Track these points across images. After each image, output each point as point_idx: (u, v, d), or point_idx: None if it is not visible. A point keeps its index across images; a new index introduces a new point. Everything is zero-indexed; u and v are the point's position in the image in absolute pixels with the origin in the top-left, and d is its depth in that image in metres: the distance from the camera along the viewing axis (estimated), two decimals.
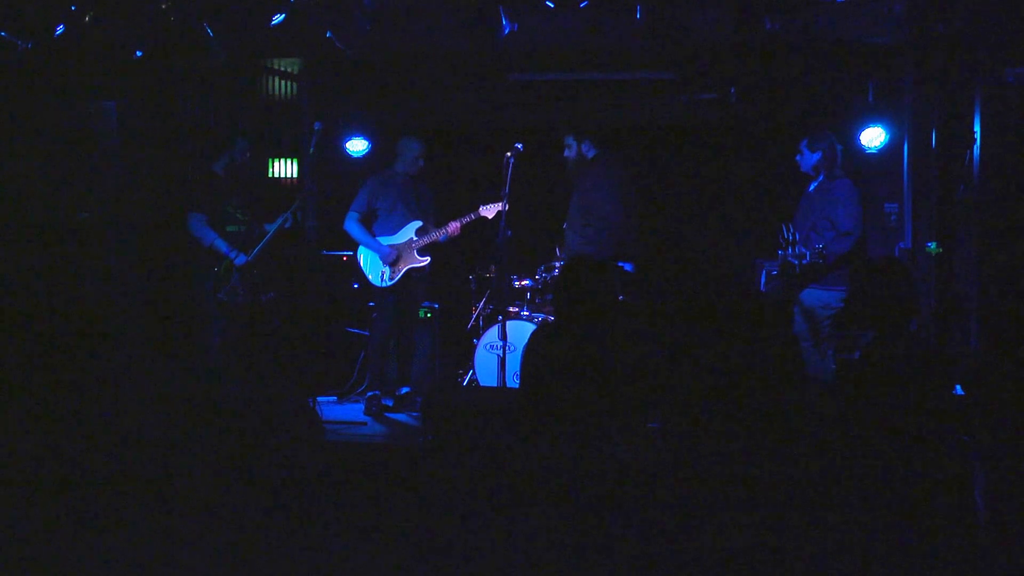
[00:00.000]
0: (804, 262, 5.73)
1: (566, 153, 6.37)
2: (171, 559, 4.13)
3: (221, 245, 6.33)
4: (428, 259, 6.70)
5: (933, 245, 6.55)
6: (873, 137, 6.91)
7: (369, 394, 6.68)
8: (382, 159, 7.18)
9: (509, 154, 6.01)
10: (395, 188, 6.75)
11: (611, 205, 6.11)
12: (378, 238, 6.62)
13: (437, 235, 6.67)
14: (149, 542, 4.25)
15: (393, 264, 6.67)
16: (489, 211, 6.53)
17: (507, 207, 6.10)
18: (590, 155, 6.37)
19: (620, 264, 6.21)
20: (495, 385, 6.25)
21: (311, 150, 6.63)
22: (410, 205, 6.74)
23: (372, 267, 6.72)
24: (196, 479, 4.69)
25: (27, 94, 6.41)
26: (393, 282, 6.69)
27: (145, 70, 6.44)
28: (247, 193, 6.68)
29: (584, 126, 6.42)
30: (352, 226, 6.73)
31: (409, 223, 6.69)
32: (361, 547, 4.25)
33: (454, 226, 6.61)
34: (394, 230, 6.61)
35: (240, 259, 6.31)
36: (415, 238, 6.62)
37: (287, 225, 6.46)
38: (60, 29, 5.87)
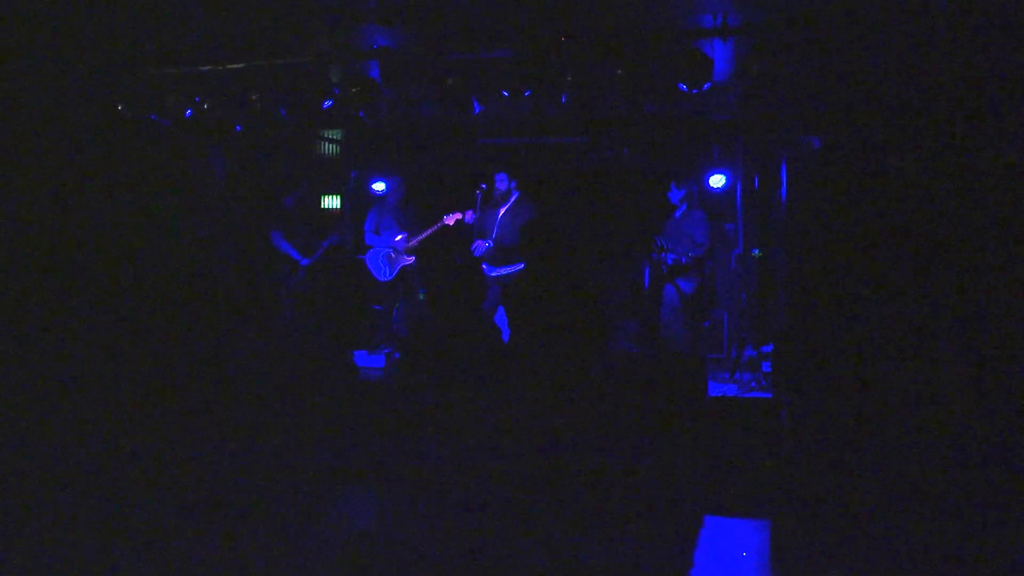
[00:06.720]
0: (671, 263, 6.80)
1: (500, 186, 6.92)
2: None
3: (292, 252, 7.47)
4: (413, 258, 7.58)
5: (757, 251, 7.60)
6: (717, 180, 7.80)
7: (387, 349, 7.73)
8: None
9: (478, 191, 6.99)
10: (388, 210, 7.65)
11: (534, 219, 6.24)
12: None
13: (414, 241, 7.43)
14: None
15: (391, 260, 7.45)
16: (450, 219, 7.29)
17: (478, 226, 6.93)
18: (515, 190, 6.98)
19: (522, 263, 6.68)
20: None
21: (349, 190, 7.79)
22: (401, 221, 7.62)
23: (376, 269, 7.73)
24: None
25: (167, 155, 7.50)
26: (392, 277, 7.60)
27: (243, 138, 7.51)
28: (310, 218, 7.70)
29: (517, 172, 7.02)
30: (370, 238, 7.67)
31: (398, 235, 7.56)
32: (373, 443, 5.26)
33: (426, 233, 7.46)
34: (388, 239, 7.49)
35: (304, 261, 7.49)
36: (401, 244, 7.46)
37: (336, 242, 7.49)
38: (188, 112, 6.93)
